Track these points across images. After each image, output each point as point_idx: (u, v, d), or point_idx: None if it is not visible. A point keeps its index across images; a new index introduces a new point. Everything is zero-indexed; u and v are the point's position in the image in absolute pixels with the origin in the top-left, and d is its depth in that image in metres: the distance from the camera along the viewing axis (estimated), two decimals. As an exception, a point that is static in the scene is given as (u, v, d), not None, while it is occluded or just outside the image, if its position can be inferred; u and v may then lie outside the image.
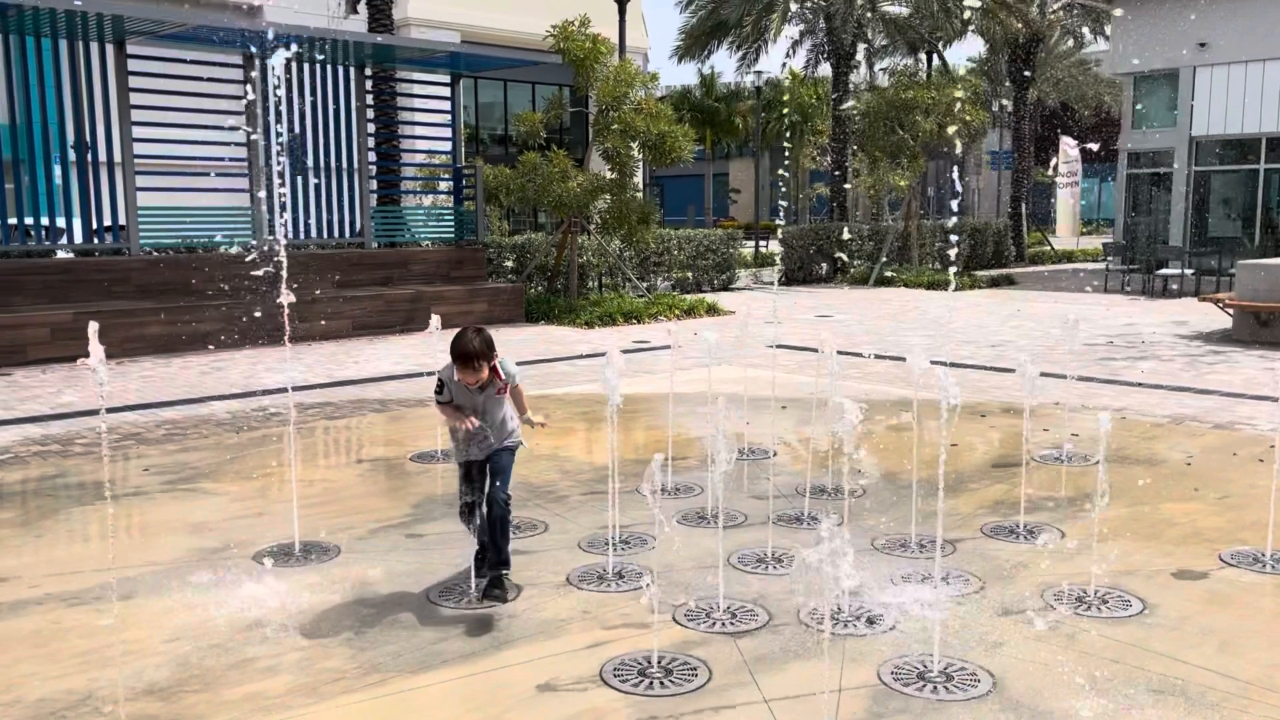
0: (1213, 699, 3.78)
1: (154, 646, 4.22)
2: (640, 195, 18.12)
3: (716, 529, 5.52)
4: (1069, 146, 33.87)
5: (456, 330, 4.70)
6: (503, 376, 4.76)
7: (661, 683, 3.89)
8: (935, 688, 3.84)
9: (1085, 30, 34.79)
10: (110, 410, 8.81)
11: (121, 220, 13.35)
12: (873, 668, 4.02)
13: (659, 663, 4.03)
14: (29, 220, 12.83)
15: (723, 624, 4.45)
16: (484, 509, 4.79)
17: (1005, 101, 37.47)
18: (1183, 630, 4.40)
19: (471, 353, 4.58)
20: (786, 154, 49.31)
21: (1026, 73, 30.09)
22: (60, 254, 13.16)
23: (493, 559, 4.77)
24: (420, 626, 4.45)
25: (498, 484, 4.78)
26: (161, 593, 4.83)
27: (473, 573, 4.89)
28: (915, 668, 4.00)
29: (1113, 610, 4.59)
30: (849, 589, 4.71)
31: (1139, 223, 24.55)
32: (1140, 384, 10.30)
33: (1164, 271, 20.90)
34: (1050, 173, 41.80)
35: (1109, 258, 22.85)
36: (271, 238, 14.32)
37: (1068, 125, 39.17)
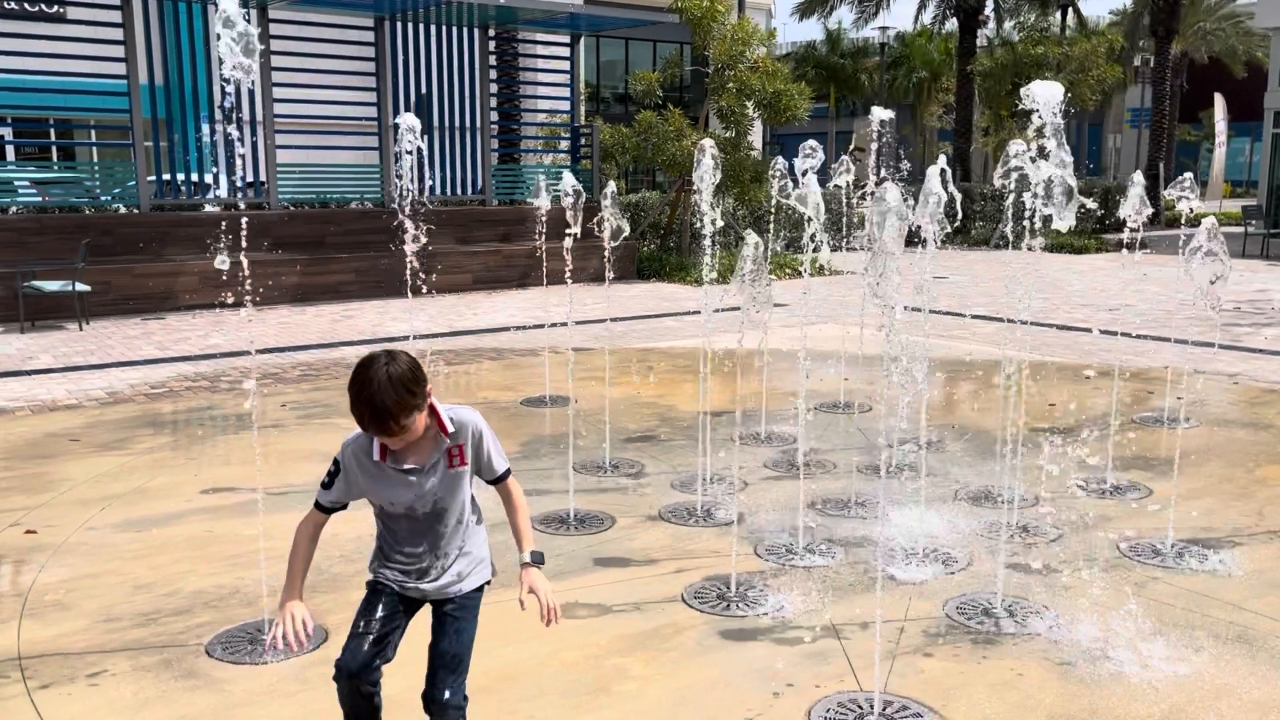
0: (1274, 644, 3.89)
1: (290, 554, 4.77)
2: (755, 154, 18.17)
3: (801, 475, 5.79)
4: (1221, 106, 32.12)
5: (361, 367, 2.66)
6: (449, 428, 2.73)
7: (737, 605, 4.23)
8: (996, 622, 4.06)
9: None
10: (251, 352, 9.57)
11: (262, 177, 14.23)
12: (939, 603, 4.26)
13: (736, 588, 4.37)
14: (179, 176, 13.81)
15: (801, 559, 4.74)
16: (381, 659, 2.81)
17: (1147, 56, 35.76)
18: (1255, 583, 4.48)
19: (387, 404, 2.57)
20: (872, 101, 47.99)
21: (1169, 25, 28.66)
22: (207, 208, 14.12)
23: None
24: (522, 548, 4.87)
25: (448, 679, 2.74)
26: (298, 510, 5.36)
27: None
28: (980, 604, 4.22)
29: (1187, 563, 4.69)
30: (926, 533, 4.95)
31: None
32: (1260, 350, 10.02)
33: (1307, 236, 19.87)
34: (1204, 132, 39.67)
35: (1249, 221, 21.81)
36: (399, 194, 15.03)
37: (1216, 81, 37.14)
